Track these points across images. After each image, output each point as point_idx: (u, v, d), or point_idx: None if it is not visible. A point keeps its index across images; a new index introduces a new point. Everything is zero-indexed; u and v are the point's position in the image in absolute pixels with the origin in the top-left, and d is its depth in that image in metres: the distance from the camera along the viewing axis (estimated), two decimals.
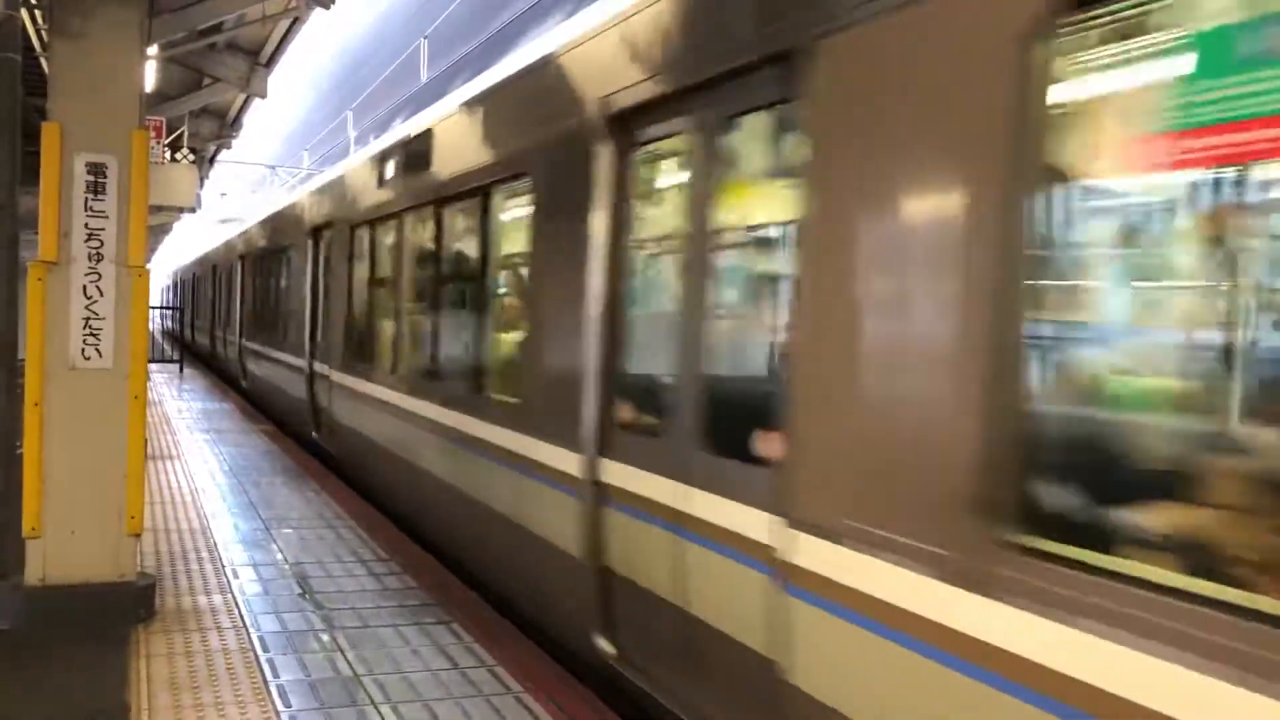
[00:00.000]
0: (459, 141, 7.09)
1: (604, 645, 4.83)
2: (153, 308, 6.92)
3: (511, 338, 6.27)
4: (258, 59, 14.42)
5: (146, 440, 5.93)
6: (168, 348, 32.94)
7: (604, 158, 4.82)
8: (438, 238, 7.56)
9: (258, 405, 17.09)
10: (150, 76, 11.49)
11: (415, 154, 8.12)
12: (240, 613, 5.99)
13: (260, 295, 16.85)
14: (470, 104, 7.00)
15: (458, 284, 7.40)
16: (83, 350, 5.65)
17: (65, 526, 5.64)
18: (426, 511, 7.80)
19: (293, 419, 13.46)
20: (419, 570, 7.08)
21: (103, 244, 5.66)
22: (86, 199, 5.62)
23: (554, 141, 5.40)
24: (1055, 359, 2.88)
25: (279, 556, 7.35)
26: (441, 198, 7.35)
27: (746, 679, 3.81)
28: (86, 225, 5.63)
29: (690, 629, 4.15)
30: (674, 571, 4.25)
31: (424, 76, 21.84)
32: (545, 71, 5.68)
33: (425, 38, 21.92)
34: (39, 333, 5.57)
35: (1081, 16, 2.61)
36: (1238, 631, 2.15)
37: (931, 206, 2.97)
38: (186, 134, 17.60)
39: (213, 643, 5.46)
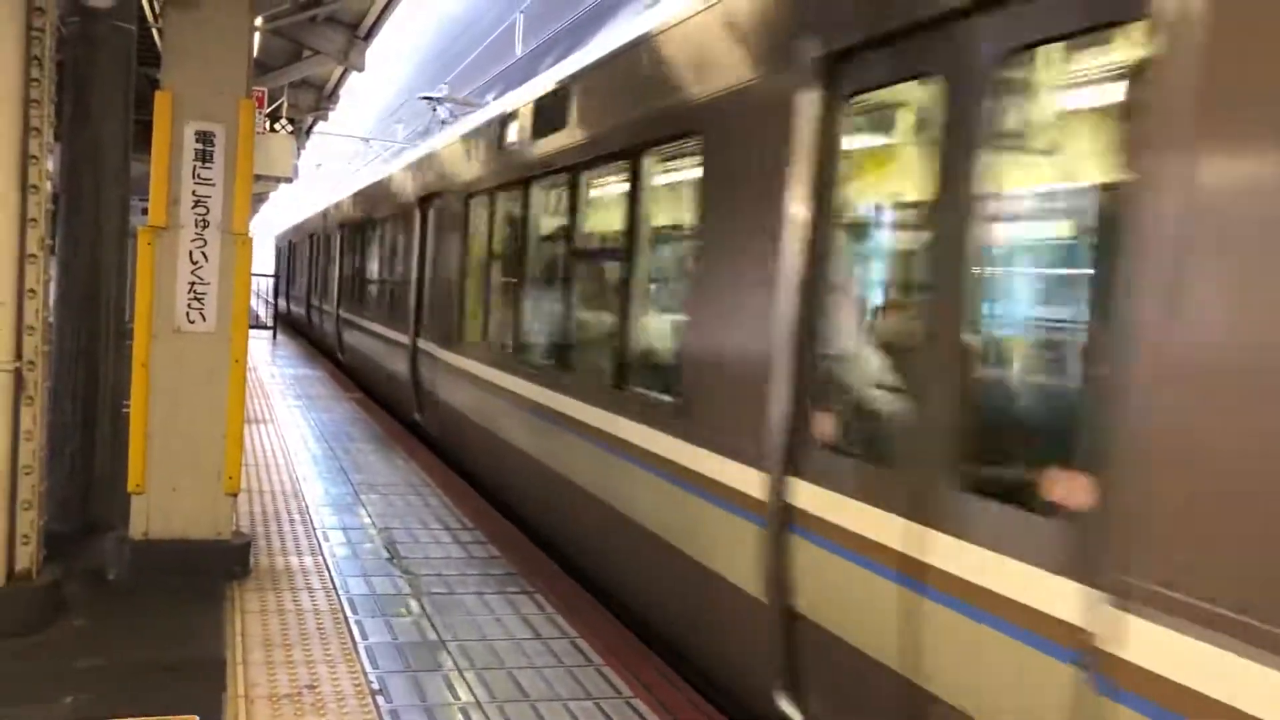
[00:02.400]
0: (601, 100, 6.36)
1: (788, 707, 4.04)
2: (255, 275, 7.12)
3: (668, 324, 5.47)
4: (356, 32, 14.66)
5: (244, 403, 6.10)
6: (262, 314, 33.74)
7: (807, 111, 3.97)
8: (572, 208, 6.75)
9: (359, 382, 16.46)
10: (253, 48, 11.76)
11: (543, 116, 7.36)
12: (330, 575, 6.14)
13: (363, 265, 16.33)
14: (615, 57, 6.22)
15: (594, 260, 6.65)
16: (187, 314, 5.82)
17: (167, 484, 5.84)
18: (544, 508, 7.22)
19: (394, 399, 12.90)
20: (503, 540, 7.18)
21: (209, 211, 5.82)
22: (195, 167, 5.78)
23: (737, 93, 4.58)
24: None
25: (367, 521, 7.52)
26: (578, 163, 6.61)
27: None
28: (194, 192, 5.79)
29: (923, 708, 3.27)
30: (900, 631, 3.35)
31: (519, 51, 21.97)
32: (723, 10, 4.80)
33: (521, 13, 22.04)
34: (147, 296, 5.76)
35: None
36: None
37: None
38: (285, 105, 17.97)
39: (304, 603, 5.61)
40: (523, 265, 7.93)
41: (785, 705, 4.05)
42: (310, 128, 23.16)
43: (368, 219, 15.92)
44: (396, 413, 12.93)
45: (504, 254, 8.69)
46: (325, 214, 22.01)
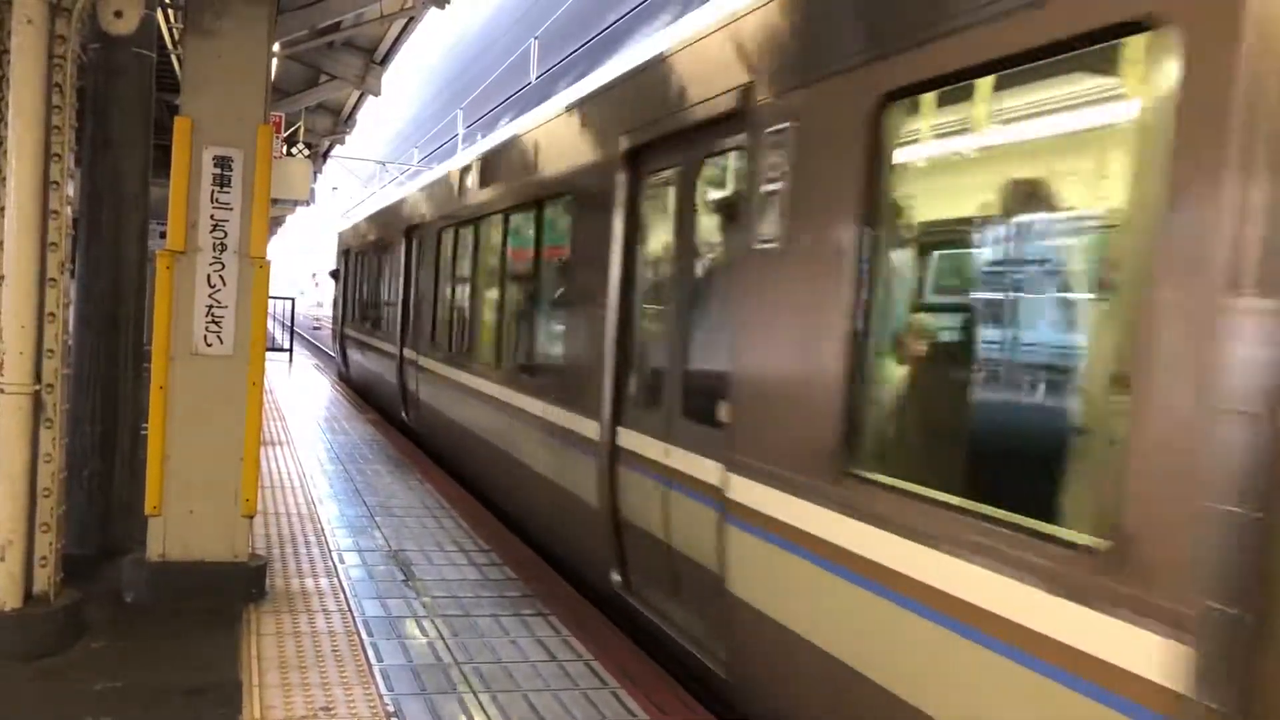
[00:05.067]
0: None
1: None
2: (272, 298, 7.23)
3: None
4: (373, 57, 14.76)
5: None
6: (277, 336, 33.83)
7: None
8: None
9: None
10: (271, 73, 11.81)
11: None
12: (346, 596, 6.15)
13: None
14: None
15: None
16: (205, 337, 5.86)
17: (184, 506, 5.87)
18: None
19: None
20: (518, 562, 7.18)
21: (226, 235, 5.86)
22: (213, 191, 5.83)
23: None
24: None
25: (382, 543, 7.53)
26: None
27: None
28: (212, 216, 5.84)
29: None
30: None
31: (533, 76, 22.11)
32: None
33: (536, 38, 22.19)
34: (165, 319, 5.80)
35: None
36: None
37: None
38: (303, 129, 18.11)
39: (319, 625, 5.62)
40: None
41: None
42: (327, 151, 23.31)
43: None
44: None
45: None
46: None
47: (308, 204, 19.94)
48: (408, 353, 13.35)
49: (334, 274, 22.74)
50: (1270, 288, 2.33)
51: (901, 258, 3.89)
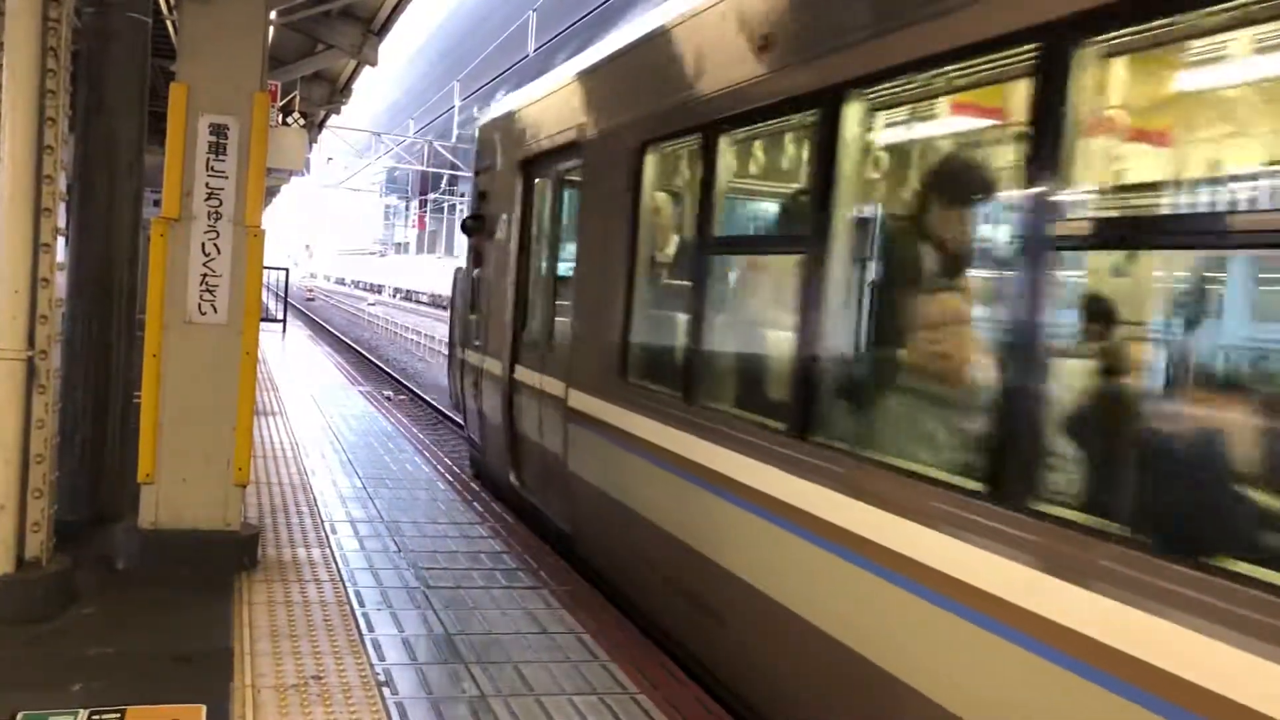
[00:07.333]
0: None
1: (514, 480, 8.23)
2: (267, 268, 7.19)
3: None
4: (370, 26, 14.64)
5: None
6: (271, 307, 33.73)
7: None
8: None
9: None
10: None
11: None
12: (338, 567, 6.16)
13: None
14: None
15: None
16: (199, 305, 5.84)
17: (177, 474, 5.86)
18: None
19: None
20: (511, 535, 7.19)
21: (222, 203, 5.84)
22: (208, 159, 5.79)
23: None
24: None
25: (375, 514, 7.54)
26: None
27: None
28: (207, 184, 5.81)
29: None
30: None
31: (531, 48, 21.99)
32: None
33: (534, 10, 22.05)
34: (159, 286, 5.78)
35: None
36: None
37: None
38: (298, 98, 17.97)
39: (311, 595, 5.63)
40: None
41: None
42: (323, 121, 23.15)
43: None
44: None
45: None
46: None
47: (303, 174, 19.85)
48: None
49: (471, 226, 9.73)
50: None
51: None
